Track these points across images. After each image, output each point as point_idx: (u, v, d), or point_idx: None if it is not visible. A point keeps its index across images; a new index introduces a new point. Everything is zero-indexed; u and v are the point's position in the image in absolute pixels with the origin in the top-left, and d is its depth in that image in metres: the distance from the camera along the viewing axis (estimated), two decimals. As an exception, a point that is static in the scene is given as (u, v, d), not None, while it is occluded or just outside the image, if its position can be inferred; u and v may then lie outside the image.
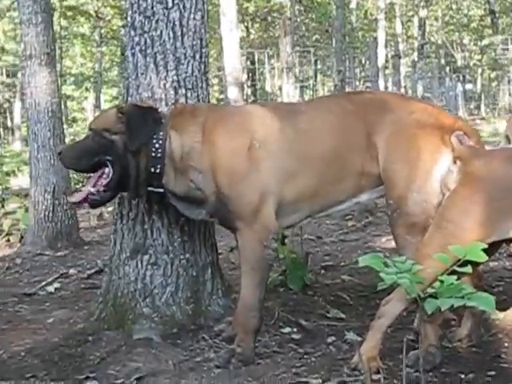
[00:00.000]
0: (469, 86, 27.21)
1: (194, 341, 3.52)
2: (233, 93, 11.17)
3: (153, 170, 3.24)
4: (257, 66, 22.00)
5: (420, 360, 2.83)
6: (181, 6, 3.66)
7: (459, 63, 28.89)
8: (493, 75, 28.25)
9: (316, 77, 28.23)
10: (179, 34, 3.66)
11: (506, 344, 3.35)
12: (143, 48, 3.66)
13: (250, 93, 23.60)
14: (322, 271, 4.87)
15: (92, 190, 3.26)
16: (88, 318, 3.80)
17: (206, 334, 3.57)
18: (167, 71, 3.65)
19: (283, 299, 4.09)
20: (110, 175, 3.24)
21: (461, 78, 25.89)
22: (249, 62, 23.56)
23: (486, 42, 26.11)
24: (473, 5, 30.12)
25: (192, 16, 3.69)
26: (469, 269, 2.49)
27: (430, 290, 2.46)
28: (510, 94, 22.92)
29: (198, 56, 3.72)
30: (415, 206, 3.18)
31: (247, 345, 3.27)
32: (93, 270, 5.31)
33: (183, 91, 3.68)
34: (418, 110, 3.31)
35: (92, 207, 3.46)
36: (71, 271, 5.38)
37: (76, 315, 4.00)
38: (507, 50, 23.79)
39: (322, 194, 3.34)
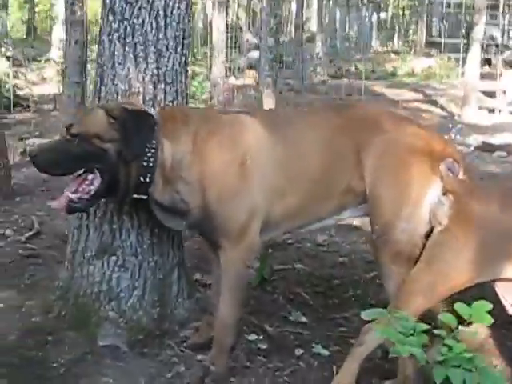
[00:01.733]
0: (383, 15, 27.20)
1: (162, 349, 3.42)
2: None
3: (142, 179, 3.04)
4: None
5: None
6: (166, -6, 3.40)
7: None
8: (404, 2, 28.22)
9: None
10: (162, 24, 3.41)
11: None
12: (122, 36, 3.40)
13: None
14: (270, 250, 4.81)
15: (72, 196, 3.03)
16: (45, 312, 3.62)
17: (171, 340, 3.48)
18: (147, 63, 3.41)
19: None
20: (97, 184, 3.01)
21: (377, 6, 25.82)
22: None
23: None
24: None
25: (177, 5, 3.44)
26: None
27: (438, 358, 2.44)
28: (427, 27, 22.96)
29: (179, 48, 3.49)
30: (403, 234, 3.10)
31: (222, 363, 3.21)
32: (30, 233, 5.07)
33: (162, 86, 3.45)
34: (410, 133, 3.21)
35: (70, 213, 3.24)
36: (7, 232, 5.11)
37: (28, 303, 3.80)
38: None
39: (305, 212, 3.25)
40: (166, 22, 3.41)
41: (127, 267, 3.50)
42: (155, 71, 3.42)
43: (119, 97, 3.41)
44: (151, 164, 3.03)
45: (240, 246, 3.10)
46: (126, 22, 3.38)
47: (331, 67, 17.27)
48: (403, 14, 28.66)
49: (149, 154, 3.02)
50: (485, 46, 15.60)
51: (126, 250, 3.49)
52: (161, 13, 3.40)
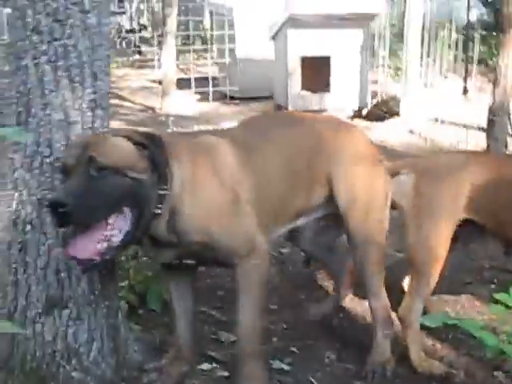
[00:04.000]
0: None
1: (134, 400, 3.12)
2: None
3: (156, 210, 2.75)
4: None
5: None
6: (98, 10, 3.04)
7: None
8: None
9: None
10: (96, 43, 3.05)
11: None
12: (53, 59, 2.96)
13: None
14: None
15: (101, 247, 2.63)
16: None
17: (142, 389, 3.19)
18: (84, 88, 3.03)
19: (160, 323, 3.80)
20: (129, 224, 2.64)
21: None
22: None
23: None
24: None
25: (105, 21, 3.10)
26: None
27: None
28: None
29: (108, 68, 3.15)
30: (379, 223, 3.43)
31: (261, 375, 3.08)
32: None
33: (99, 112, 3.09)
34: (362, 139, 3.52)
35: (89, 270, 2.80)
36: None
37: None
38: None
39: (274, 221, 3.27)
40: (99, 40, 3.06)
41: (83, 318, 3.10)
42: (92, 96, 3.05)
43: (54, 128, 2.99)
44: (166, 192, 2.76)
45: (254, 256, 2.99)
46: (56, 43, 2.96)
47: None
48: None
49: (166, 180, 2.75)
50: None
51: (79, 300, 3.09)
52: (94, 30, 3.03)
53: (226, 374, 3.37)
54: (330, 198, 3.37)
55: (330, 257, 3.90)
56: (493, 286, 4.25)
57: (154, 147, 2.73)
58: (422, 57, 9.37)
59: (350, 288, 3.91)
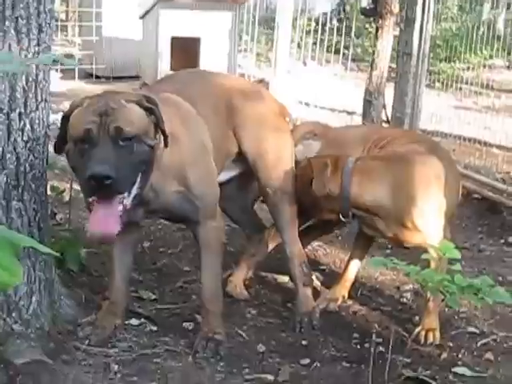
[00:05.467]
0: None
1: (76, 355, 3.13)
2: None
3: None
4: None
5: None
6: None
7: None
8: None
9: None
10: (42, -5, 3.05)
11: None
12: (1, 9, 2.94)
13: None
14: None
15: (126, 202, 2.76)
16: None
17: (78, 342, 3.21)
18: (29, 40, 3.02)
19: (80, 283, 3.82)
20: (139, 185, 2.78)
21: None
22: None
23: None
24: None
25: (52, -26, 3.10)
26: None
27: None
28: None
29: (52, 23, 3.15)
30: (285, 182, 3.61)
31: (222, 328, 3.27)
32: None
33: (41, 65, 3.09)
34: (269, 98, 3.73)
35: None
36: None
37: None
38: None
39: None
40: (45, -7, 3.06)
41: (23, 271, 3.09)
42: (36, 48, 3.05)
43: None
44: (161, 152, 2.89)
45: (217, 217, 3.20)
46: (4, -6, 2.93)
47: None
48: None
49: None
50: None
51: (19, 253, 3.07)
52: (41, -17, 3.03)
53: (155, 328, 3.46)
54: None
55: (243, 217, 4.05)
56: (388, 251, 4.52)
57: (157, 111, 2.82)
58: (292, 41, 9.65)
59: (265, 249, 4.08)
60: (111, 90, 3.10)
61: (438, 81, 9.41)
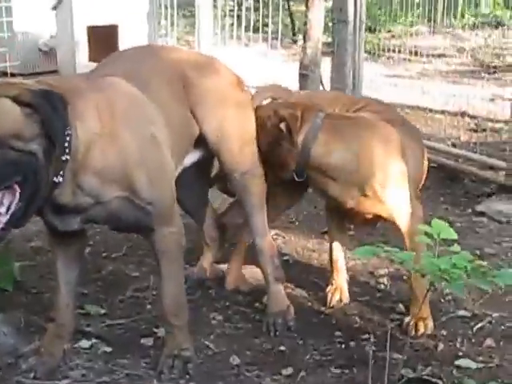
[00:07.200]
0: None
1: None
2: None
3: (56, 179, 2.32)
4: None
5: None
6: None
7: None
8: None
9: None
10: None
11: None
12: None
13: None
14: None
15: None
16: None
17: (21, 377, 2.77)
18: None
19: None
20: (15, 201, 2.26)
21: None
22: None
23: None
24: None
25: None
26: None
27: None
28: None
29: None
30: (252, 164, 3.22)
31: (190, 342, 2.87)
32: None
33: None
34: (225, 70, 3.29)
35: None
36: None
37: None
38: None
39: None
40: None
41: None
42: None
43: None
44: (68, 157, 2.36)
45: (175, 221, 2.76)
46: None
47: None
48: None
49: (66, 144, 2.33)
50: None
51: None
52: None
53: (109, 349, 3.04)
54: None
55: (199, 208, 3.64)
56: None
57: (47, 108, 2.28)
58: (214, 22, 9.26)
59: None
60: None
61: (365, 51, 9.14)
